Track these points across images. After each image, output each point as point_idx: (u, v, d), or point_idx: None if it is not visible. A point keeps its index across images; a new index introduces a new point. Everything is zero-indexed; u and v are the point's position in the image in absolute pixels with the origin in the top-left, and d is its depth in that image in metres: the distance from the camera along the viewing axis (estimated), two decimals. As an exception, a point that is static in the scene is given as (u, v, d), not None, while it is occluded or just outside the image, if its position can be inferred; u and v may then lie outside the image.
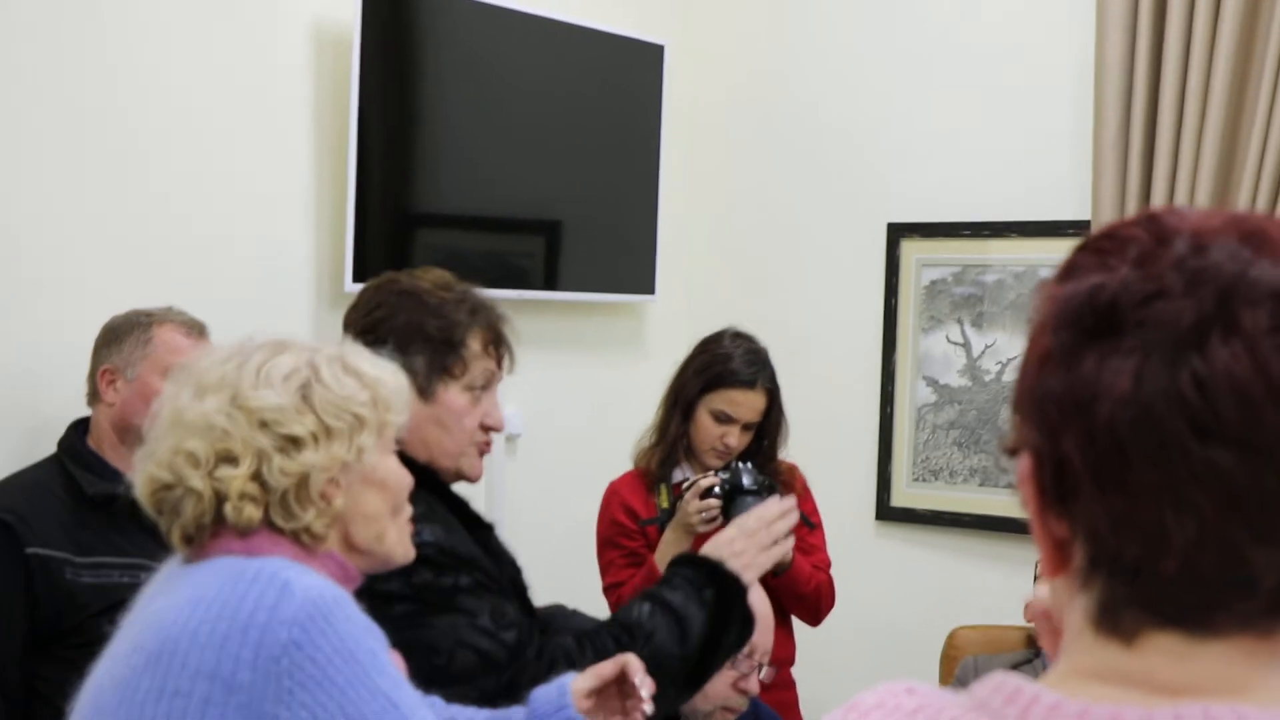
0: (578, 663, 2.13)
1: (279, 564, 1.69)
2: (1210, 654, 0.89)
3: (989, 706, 0.94)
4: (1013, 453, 0.97)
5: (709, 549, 2.37)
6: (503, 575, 2.29)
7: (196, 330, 2.99)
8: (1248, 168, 3.70)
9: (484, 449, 2.35)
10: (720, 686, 2.67)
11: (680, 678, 2.24)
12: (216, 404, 1.74)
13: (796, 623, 3.55)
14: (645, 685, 2.00)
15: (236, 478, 1.71)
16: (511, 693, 2.04)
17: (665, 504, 3.40)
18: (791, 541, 2.46)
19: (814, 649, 3.69)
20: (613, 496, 3.50)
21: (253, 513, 1.71)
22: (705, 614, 2.26)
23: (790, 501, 2.45)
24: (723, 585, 2.30)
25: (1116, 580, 0.91)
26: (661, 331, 4.66)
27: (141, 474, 1.76)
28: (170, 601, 1.70)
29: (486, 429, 2.34)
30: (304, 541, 1.74)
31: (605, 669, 2.00)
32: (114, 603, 2.16)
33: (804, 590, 3.42)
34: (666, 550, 3.26)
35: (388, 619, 1.90)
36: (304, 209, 3.73)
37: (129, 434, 2.77)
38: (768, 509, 2.42)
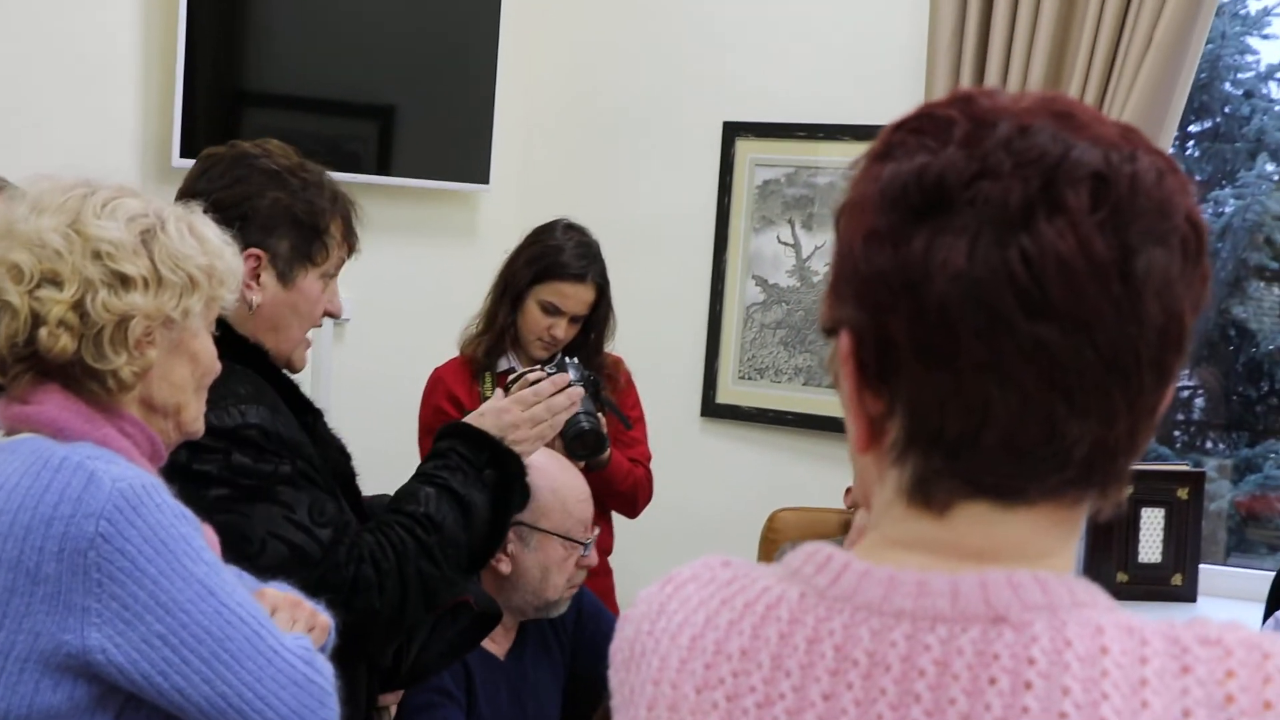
0: (381, 561, 2.10)
1: (86, 452, 1.65)
2: (1017, 521, 0.93)
3: (801, 574, 0.98)
4: (830, 332, 0.98)
5: (484, 420, 2.33)
6: (328, 464, 2.25)
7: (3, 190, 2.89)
8: (1076, 71, 3.78)
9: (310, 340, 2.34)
10: (567, 572, 2.73)
11: (466, 561, 2.23)
12: (54, 223, 1.69)
13: (617, 514, 3.60)
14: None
15: (59, 302, 1.65)
16: (319, 591, 1.98)
17: (489, 394, 3.40)
18: (562, 418, 2.43)
19: (634, 540, 3.74)
20: (437, 384, 3.49)
21: (67, 343, 1.66)
22: (487, 495, 2.25)
23: (576, 391, 2.44)
24: (501, 464, 2.29)
25: (934, 454, 0.93)
26: (494, 221, 4.63)
27: None
28: None
29: (326, 314, 2.32)
30: (109, 388, 1.69)
31: None
32: None
33: (621, 488, 3.46)
34: (490, 440, 3.27)
35: (202, 501, 1.86)
36: (131, 81, 3.62)
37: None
38: (556, 399, 2.39)
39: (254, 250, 2.16)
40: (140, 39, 3.62)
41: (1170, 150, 3.83)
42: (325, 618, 1.84)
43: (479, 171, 4.49)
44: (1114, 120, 0.94)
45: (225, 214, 1.95)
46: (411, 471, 3.44)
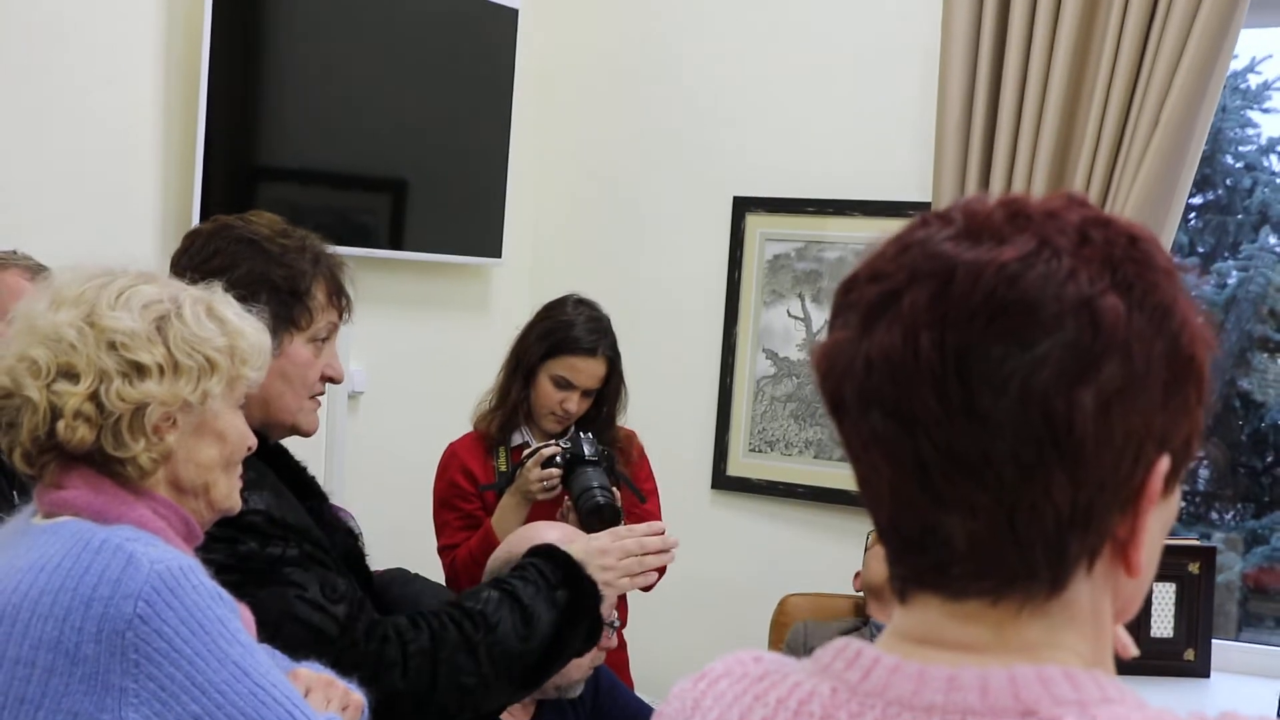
0: (410, 642, 2.08)
1: (125, 534, 1.67)
2: (969, 617, 0.94)
3: (832, 670, 0.99)
4: None
5: (578, 549, 2.30)
6: (334, 546, 2.22)
7: (41, 275, 2.94)
8: (1084, 151, 3.81)
9: (319, 401, 2.30)
10: (591, 654, 2.73)
11: (518, 674, 2.18)
12: (69, 317, 1.72)
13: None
14: None
15: (74, 395, 1.69)
16: (340, 669, 1.95)
17: (504, 467, 3.42)
18: (656, 576, 2.38)
19: (646, 612, 3.74)
20: (451, 459, 3.51)
21: (85, 434, 1.69)
22: (554, 614, 2.20)
23: (673, 540, 2.39)
24: (578, 589, 2.25)
25: (880, 536, 0.98)
26: (506, 295, 4.67)
27: None
28: (13, 564, 1.68)
29: (325, 380, 2.29)
30: (129, 474, 1.72)
31: None
32: None
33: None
34: (504, 515, 3.28)
35: None
36: (152, 158, 3.67)
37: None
38: (650, 539, 2.34)
39: None
40: (161, 119, 3.67)
41: (1174, 225, 3.85)
42: (359, 696, 1.85)
43: (491, 245, 4.52)
44: (1081, 215, 0.94)
45: None
46: (426, 543, 3.49)
